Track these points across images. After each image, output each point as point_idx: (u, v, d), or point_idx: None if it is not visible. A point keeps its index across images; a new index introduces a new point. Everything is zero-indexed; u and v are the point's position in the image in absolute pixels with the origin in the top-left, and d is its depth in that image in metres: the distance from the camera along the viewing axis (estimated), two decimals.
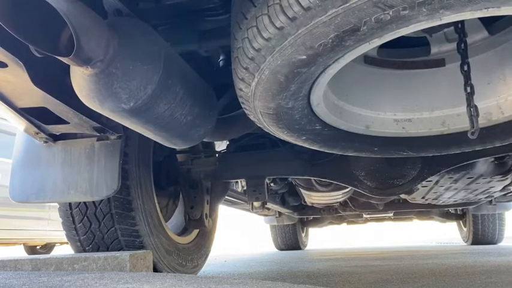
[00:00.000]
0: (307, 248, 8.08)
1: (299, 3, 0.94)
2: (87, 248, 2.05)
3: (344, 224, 7.24)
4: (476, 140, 1.46)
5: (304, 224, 7.43)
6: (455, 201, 3.54)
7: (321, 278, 2.63)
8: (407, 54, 1.67)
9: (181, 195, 2.70)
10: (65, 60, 1.12)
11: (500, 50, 1.54)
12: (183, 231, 2.68)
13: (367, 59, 1.63)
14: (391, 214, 6.00)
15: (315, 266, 3.65)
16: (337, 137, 1.68)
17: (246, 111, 1.46)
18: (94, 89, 1.21)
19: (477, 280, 2.27)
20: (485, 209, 5.55)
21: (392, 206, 4.40)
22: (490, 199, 3.78)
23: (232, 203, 4.09)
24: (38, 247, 7.83)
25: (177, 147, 2.04)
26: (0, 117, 5.59)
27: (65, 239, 2.16)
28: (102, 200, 1.96)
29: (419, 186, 2.63)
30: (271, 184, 3.47)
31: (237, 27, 1.14)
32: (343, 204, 4.46)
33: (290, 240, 7.28)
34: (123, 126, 1.58)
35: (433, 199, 3.39)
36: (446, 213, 6.49)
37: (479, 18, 1.47)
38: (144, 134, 1.50)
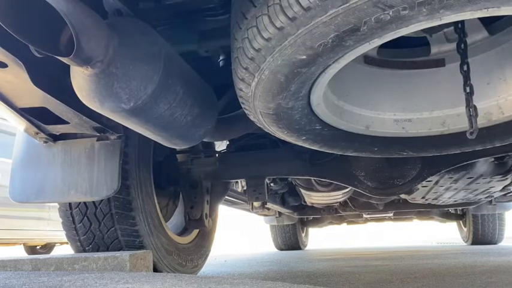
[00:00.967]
0: (307, 248, 8.08)
1: (299, 3, 0.94)
2: (87, 248, 2.05)
3: (344, 224, 7.24)
4: (476, 140, 1.46)
5: (304, 224, 7.42)
6: (455, 201, 3.54)
7: (321, 278, 2.63)
8: (407, 54, 1.67)
9: (181, 195, 2.70)
10: (65, 60, 1.12)
11: (500, 50, 1.54)
12: (183, 231, 2.68)
13: (367, 59, 1.63)
14: (391, 214, 6.00)
15: (315, 266, 3.65)
16: (337, 137, 1.68)
17: (246, 111, 1.46)
18: (94, 89, 1.21)
19: (477, 280, 2.27)
20: (485, 209, 5.55)
21: (392, 206, 4.40)
22: (490, 199, 3.78)
23: (232, 203, 4.09)
24: (38, 247, 7.83)
25: (177, 147, 2.04)
26: (0, 117, 5.59)
27: (65, 239, 2.16)
28: (102, 200, 1.96)
29: (419, 186, 2.62)
30: (271, 184, 3.46)
31: (237, 27, 1.14)
32: (343, 204, 4.46)
33: (290, 240, 7.28)
34: (123, 126, 1.58)
35: (433, 199, 3.39)
36: (446, 213, 6.49)
37: (479, 18, 1.47)
38: (144, 134, 1.50)
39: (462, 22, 1.39)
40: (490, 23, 1.52)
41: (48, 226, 7.15)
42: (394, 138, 1.73)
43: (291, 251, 7.13)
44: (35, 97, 1.43)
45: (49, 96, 1.40)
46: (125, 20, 1.31)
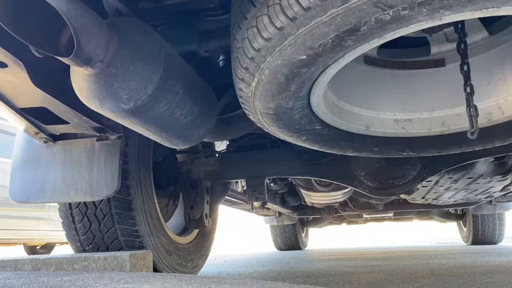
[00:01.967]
0: (307, 248, 8.08)
1: (299, 3, 0.94)
2: (87, 248, 2.05)
3: (344, 224, 7.24)
4: (476, 140, 1.46)
5: (304, 224, 7.43)
6: (455, 201, 3.54)
7: (321, 278, 2.63)
8: (407, 54, 1.67)
9: (181, 195, 2.70)
10: (65, 60, 1.12)
11: (500, 50, 1.54)
12: (183, 231, 2.68)
13: (367, 59, 1.63)
14: (391, 214, 6.00)
15: (315, 266, 3.65)
16: (337, 137, 1.68)
17: (246, 111, 1.46)
18: (94, 89, 1.21)
19: (477, 280, 2.27)
20: (485, 209, 5.55)
21: (392, 206, 4.40)
22: (490, 199, 3.78)
23: (232, 203, 4.09)
24: (38, 247, 7.83)
25: (177, 147, 2.04)
26: (0, 117, 5.59)
27: (65, 239, 2.16)
28: (102, 200, 1.96)
29: (419, 186, 2.62)
30: (271, 184, 3.46)
31: (237, 27, 1.14)
32: (343, 204, 4.46)
33: (290, 240, 7.28)
34: (123, 126, 1.58)
35: (433, 199, 3.39)
36: (446, 213, 6.49)
37: (479, 18, 1.47)
38: (144, 134, 1.50)
39: (462, 22, 1.39)
40: (490, 23, 1.52)
41: (48, 226, 7.15)
42: (394, 138, 1.73)
43: (291, 251, 7.13)
44: (35, 97, 1.43)
45: (49, 96, 1.40)
46: (125, 20, 1.31)
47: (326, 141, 1.69)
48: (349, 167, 2.48)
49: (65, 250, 8.01)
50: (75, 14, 1.03)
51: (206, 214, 2.64)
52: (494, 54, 1.55)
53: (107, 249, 2.02)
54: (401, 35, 1.05)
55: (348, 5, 0.91)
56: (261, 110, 1.38)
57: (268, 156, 2.61)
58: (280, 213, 5.54)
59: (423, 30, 1.33)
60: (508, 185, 2.86)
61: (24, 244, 7.46)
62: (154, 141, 1.60)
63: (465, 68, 1.37)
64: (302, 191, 3.45)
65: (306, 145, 1.71)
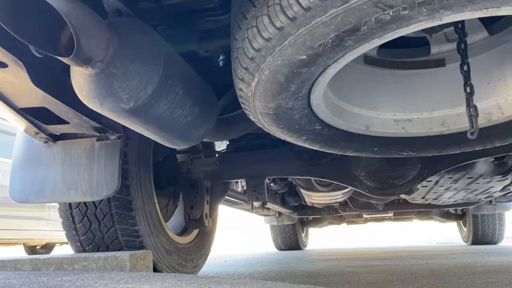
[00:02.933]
0: (307, 248, 8.08)
1: (299, 3, 0.94)
2: (87, 248, 2.05)
3: (344, 224, 7.24)
4: (476, 140, 1.46)
5: (304, 224, 7.43)
6: (455, 201, 3.54)
7: (321, 278, 2.63)
8: (407, 54, 1.67)
9: (181, 195, 2.70)
10: (65, 60, 1.12)
11: (500, 50, 1.54)
12: (183, 231, 2.68)
13: (367, 59, 1.63)
14: (391, 214, 6.00)
15: (315, 266, 3.65)
16: (337, 137, 1.68)
17: (246, 111, 1.46)
18: (94, 89, 1.21)
19: (477, 280, 2.27)
20: (485, 209, 5.55)
21: (392, 206, 4.40)
22: (490, 199, 3.78)
23: (232, 203, 4.09)
24: (38, 247, 7.83)
25: (177, 147, 2.04)
26: (0, 117, 5.59)
27: (65, 239, 2.16)
28: (102, 200, 1.96)
29: (419, 186, 2.62)
30: (271, 184, 3.46)
31: (237, 27, 1.14)
32: (343, 204, 4.46)
33: (290, 240, 7.28)
34: (123, 126, 1.58)
35: (433, 199, 3.40)
36: (446, 213, 6.49)
37: (479, 18, 1.47)
38: (144, 134, 1.50)
39: (462, 22, 1.39)
40: (490, 23, 1.52)
41: (48, 226, 7.15)
42: (394, 138, 1.73)
43: (291, 251, 7.13)
44: (35, 97, 1.43)
45: (49, 96, 1.40)
46: (125, 20, 1.31)
47: (326, 141, 1.69)
48: (349, 167, 2.48)
49: (65, 250, 8.01)
50: (75, 14, 1.03)
51: (206, 214, 2.64)
52: (494, 54, 1.55)
53: (107, 249, 2.02)
54: (402, 35, 1.05)
55: (348, 5, 0.91)
56: (261, 110, 1.38)
57: (268, 156, 2.61)
58: (280, 213, 5.54)
59: (423, 30, 1.33)
60: (508, 185, 2.86)
61: (24, 244, 7.46)
62: (154, 141, 1.60)
63: (465, 68, 1.37)
64: (302, 191, 3.45)
65: (306, 145, 1.71)
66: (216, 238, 3.10)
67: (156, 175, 2.33)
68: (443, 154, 1.87)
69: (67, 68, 1.26)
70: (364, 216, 5.99)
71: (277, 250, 7.55)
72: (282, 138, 1.66)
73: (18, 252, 7.85)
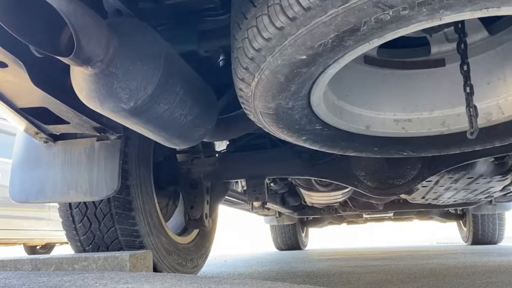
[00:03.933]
0: (307, 248, 8.08)
1: (299, 3, 0.94)
2: (87, 248, 2.05)
3: (344, 224, 7.24)
4: (476, 140, 1.46)
5: (304, 224, 7.43)
6: (455, 201, 3.54)
7: (321, 278, 2.63)
8: (407, 54, 1.67)
9: (181, 195, 2.70)
10: (65, 60, 1.12)
11: (500, 50, 1.54)
12: (183, 231, 2.67)
13: (367, 59, 1.63)
14: (391, 214, 6.00)
15: (315, 266, 3.65)
16: (337, 137, 1.68)
17: (246, 111, 1.46)
18: (94, 89, 1.21)
19: (477, 280, 2.27)
20: (485, 209, 5.55)
21: (392, 206, 4.40)
22: (490, 199, 3.78)
23: (232, 203, 4.09)
24: (38, 247, 7.83)
25: (177, 147, 2.04)
26: (0, 117, 5.59)
27: (65, 239, 2.16)
28: (102, 200, 1.96)
29: (419, 186, 2.63)
30: (271, 184, 3.46)
31: (237, 27, 1.14)
32: (343, 204, 4.46)
33: (290, 240, 7.28)
34: (123, 126, 1.58)
35: (433, 199, 3.40)
36: (446, 213, 6.49)
37: (479, 18, 1.47)
38: (144, 134, 1.50)
39: (462, 22, 1.39)
40: (490, 23, 1.52)
41: (48, 226, 7.15)
42: (394, 138, 1.73)
43: (291, 251, 7.13)
44: (35, 97, 1.43)
45: (49, 96, 1.40)
46: (125, 20, 1.31)
47: (326, 141, 1.69)
48: (349, 167, 2.48)
49: (65, 250, 8.01)
50: (75, 14, 1.04)
51: (206, 214, 2.64)
52: (494, 54, 1.55)
53: (107, 249, 2.02)
54: (402, 35, 1.05)
55: (348, 5, 0.91)
56: (261, 110, 1.38)
57: (268, 156, 2.61)
58: (280, 213, 5.54)
59: (423, 30, 1.33)
60: (508, 185, 2.86)
61: (24, 244, 7.46)
62: (155, 141, 1.60)
63: (465, 68, 1.37)
64: (302, 191, 3.45)
65: (306, 145, 1.71)
66: (216, 239, 3.10)
67: (156, 175, 2.33)
68: (443, 154, 1.87)
69: (67, 68, 1.26)
70: (364, 216, 5.99)
71: (277, 250, 7.55)
72: (282, 138, 1.66)
73: (18, 252, 7.85)
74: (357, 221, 7.03)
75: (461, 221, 6.95)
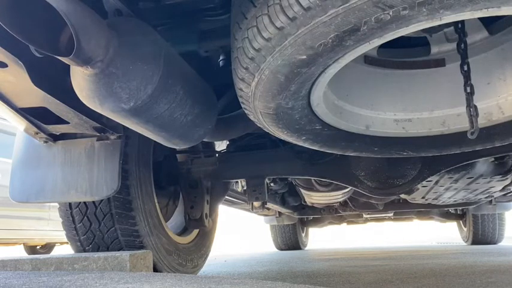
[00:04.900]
0: (307, 248, 8.08)
1: (299, 3, 0.94)
2: (87, 248, 2.05)
3: (344, 224, 7.24)
4: (476, 140, 1.46)
5: (304, 224, 7.42)
6: (455, 201, 3.54)
7: (321, 278, 2.63)
8: (407, 54, 1.67)
9: (181, 195, 2.70)
10: (65, 60, 1.12)
11: (500, 50, 1.54)
12: (183, 231, 2.68)
13: (367, 59, 1.63)
14: (391, 214, 6.00)
15: (315, 266, 3.65)
16: (337, 137, 1.68)
17: (246, 111, 1.46)
18: (94, 89, 1.21)
19: (477, 280, 2.27)
20: (485, 209, 5.55)
21: (392, 206, 4.40)
22: (490, 199, 3.78)
23: (232, 203, 4.09)
24: (38, 247, 7.83)
25: (177, 147, 2.04)
26: (0, 117, 5.59)
27: (65, 239, 2.16)
28: (102, 200, 1.96)
29: (419, 186, 2.62)
30: (271, 184, 3.46)
31: (237, 27, 1.14)
32: (343, 204, 4.46)
33: (290, 240, 7.28)
34: (123, 126, 1.58)
35: (433, 199, 3.39)
36: (446, 213, 6.49)
37: (479, 18, 1.47)
38: (144, 134, 1.50)
39: (462, 22, 1.39)
40: (490, 23, 1.52)
41: (48, 226, 7.15)
42: (394, 138, 1.73)
43: (291, 251, 7.13)
44: (35, 97, 1.43)
45: (49, 96, 1.40)
46: (125, 20, 1.31)
47: (326, 141, 1.69)
48: (349, 167, 2.48)
49: (65, 250, 8.01)
50: (75, 14, 1.03)
51: (206, 214, 2.64)
52: (494, 54, 1.55)
53: (107, 249, 2.02)
54: (402, 35, 1.05)
55: (348, 5, 0.91)
56: (261, 110, 1.38)
57: (268, 156, 2.61)
58: (280, 213, 5.54)
59: (423, 30, 1.33)
60: (508, 185, 2.86)
61: (24, 244, 7.46)
62: (155, 141, 1.60)
63: (465, 68, 1.37)
64: (302, 191, 3.45)
65: (306, 145, 1.71)
66: (216, 241, 3.10)
67: (156, 175, 2.33)
68: (444, 154, 1.87)
69: (67, 68, 1.26)
70: (364, 216, 5.98)
71: (277, 250, 7.55)
72: (282, 138, 1.66)
73: (18, 252, 7.85)
74: (357, 221, 7.03)
75: (461, 221, 6.95)
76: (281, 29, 1.01)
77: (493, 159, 2.48)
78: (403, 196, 3.24)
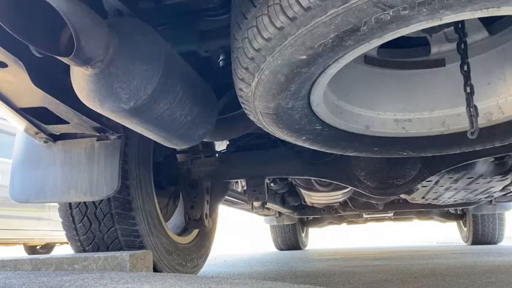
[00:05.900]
0: (307, 248, 8.08)
1: (299, 3, 0.94)
2: (87, 248, 2.05)
3: (344, 224, 7.24)
4: (476, 140, 1.46)
5: (304, 224, 7.43)
6: (455, 201, 3.54)
7: (321, 278, 2.63)
8: (407, 54, 1.67)
9: (181, 195, 2.70)
10: (65, 60, 1.12)
11: (500, 50, 1.54)
12: (183, 231, 2.68)
13: (367, 59, 1.63)
14: (391, 214, 6.00)
15: (315, 266, 3.65)
16: (337, 137, 1.68)
17: (246, 111, 1.46)
18: (94, 89, 1.21)
19: (477, 280, 2.27)
20: (485, 209, 5.55)
21: (392, 206, 4.40)
22: (490, 199, 3.78)
23: (232, 203, 4.09)
24: (38, 247, 7.83)
25: (177, 147, 2.04)
26: (0, 117, 5.59)
27: (65, 239, 2.16)
28: (102, 200, 1.96)
29: (419, 186, 2.62)
30: (271, 184, 3.46)
31: (237, 27, 1.14)
32: (343, 204, 4.46)
33: (290, 240, 7.28)
34: (123, 126, 1.58)
35: (433, 199, 3.39)
36: (446, 213, 6.49)
37: (479, 18, 1.47)
38: (144, 134, 1.50)
39: (462, 22, 1.39)
40: (490, 23, 1.52)
41: (48, 226, 7.15)
42: (394, 138, 1.73)
43: (291, 251, 7.13)
44: (35, 97, 1.43)
45: (49, 96, 1.40)
46: (125, 20, 1.31)
47: (326, 141, 1.69)
48: (349, 167, 2.48)
49: (65, 250, 8.01)
50: (75, 14, 1.03)
51: (206, 214, 2.64)
52: (494, 54, 1.55)
53: (107, 249, 2.02)
54: (402, 35, 1.05)
55: (348, 5, 0.91)
56: (261, 110, 1.38)
57: (268, 156, 2.61)
58: (280, 213, 5.54)
59: (423, 30, 1.33)
60: (508, 185, 2.86)
61: (24, 244, 7.46)
62: (155, 141, 1.60)
63: (465, 68, 1.37)
64: (302, 191, 3.45)
65: (306, 145, 1.71)
66: (216, 241, 3.10)
67: (156, 175, 2.33)
68: (444, 154, 1.87)
69: (67, 68, 1.26)
70: (364, 216, 5.99)
71: (277, 250, 7.55)
72: (282, 138, 1.66)
73: (18, 252, 7.85)
74: (357, 221, 7.03)
75: (461, 221, 6.95)
76: (281, 29, 1.01)
77: (493, 159, 2.48)
78: (403, 196, 3.24)
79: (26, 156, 1.78)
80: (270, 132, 1.59)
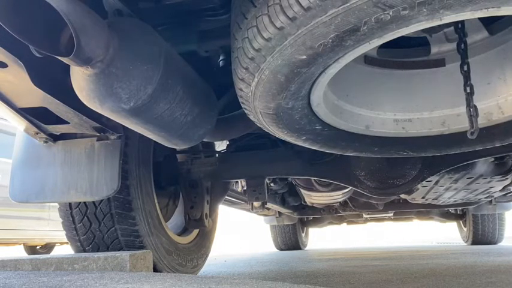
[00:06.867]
0: (307, 248, 8.08)
1: (299, 3, 0.94)
2: (87, 248, 2.05)
3: (344, 224, 7.24)
4: (476, 140, 1.46)
5: (304, 224, 7.43)
6: (455, 201, 3.54)
7: (321, 278, 2.63)
8: (407, 54, 1.67)
9: (181, 195, 2.70)
10: (65, 60, 1.12)
11: (500, 50, 1.54)
12: (183, 231, 2.68)
13: (367, 59, 1.63)
14: (391, 214, 6.00)
15: (315, 266, 3.65)
16: (337, 137, 1.68)
17: (246, 111, 1.46)
18: (94, 89, 1.21)
19: (477, 280, 2.27)
20: (485, 209, 5.55)
21: (392, 206, 4.41)
22: (490, 199, 3.78)
23: (232, 203, 4.09)
24: (38, 247, 7.83)
25: (177, 147, 2.04)
26: (0, 117, 5.59)
27: (65, 239, 2.16)
28: (102, 200, 1.96)
29: (419, 186, 2.62)
30: (271, 184, 3.46)
31: (237, 27, 1.14)
32: (343, 204, 4.46)
33: (290, 240, 7.28)
34: (123, 126, 1.58)
35: (433, 199, 3.39)
36: (446, 213, 6.49)
37: (479, 18, 1.47)
38: (144, 134, 1.50)
39: (462, 22, 1.39)
40: (490, 23, 1.52)
41: (48, 226, 7.15)
42: (394, 138, 1.73)
43: (291, 251, 7.13)
44: (35, 97, 1.43)
45: (49, 96, 1.40)
46: (125, 20, 1.31)
47: (326, 141, 1.69)
48: (349, 167, 2.48)
49: (65, 250, 8.01)
50: (75, 14, 1.03)
51: (206, 214, 2.64)
52: (494, 54, 1.55)
53: (107, 249, 2.02)
54: (402, 35, 1.05)
55: (348, 5, 0.91)
56: (261, 110, 1.38)
57: (268, 156, 2.61)
58: (280, 213, 5.54)
59: (423, 30, 1.33)
60: (508, 185, 2.86)
61: (24, 244, 7.46)
62: (155, 141, 1.60)
63: (465, 68, 1.37)
64: (302, 191, 3.45)
65: (306, 145, 1.71)
66: (216, 241, 3.10)
67: (156, 175, 2.33)
68: (444, 154, 1.87)
69: (67, 68, 1.26)
70: (364, 216, 5.99)
71: (277, 250, 7.55)
72: (282, 138, 1.66)
73: (18, 252, 7.85)
74: (357, 221, 7.03)
75: (461, 221, 6.95)
76: (281, 29, 1.01)
77: (493, 159, 2.48)
78: (403, 196, 3.24)
79: (26, 156, 1.78)
80: (270, 132, 1.59)
